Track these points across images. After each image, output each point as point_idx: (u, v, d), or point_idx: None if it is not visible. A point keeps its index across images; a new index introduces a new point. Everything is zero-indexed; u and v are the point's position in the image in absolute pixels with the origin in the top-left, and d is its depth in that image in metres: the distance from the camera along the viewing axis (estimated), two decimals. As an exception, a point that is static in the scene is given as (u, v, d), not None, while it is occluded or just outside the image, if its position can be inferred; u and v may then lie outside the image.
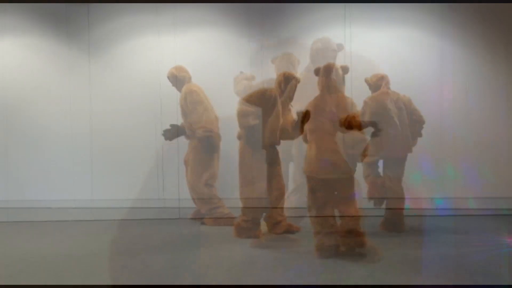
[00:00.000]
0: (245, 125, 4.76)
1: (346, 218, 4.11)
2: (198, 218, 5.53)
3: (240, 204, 4.87)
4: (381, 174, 5.11)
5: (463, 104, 5.83)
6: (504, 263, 3.94)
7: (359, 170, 4.93)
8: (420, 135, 5.12)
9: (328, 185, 4.16)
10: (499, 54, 5.84)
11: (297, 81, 4.70)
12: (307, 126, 4.26)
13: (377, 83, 5.03)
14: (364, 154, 4.52)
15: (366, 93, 5.10)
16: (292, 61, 5.61)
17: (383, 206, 5.10)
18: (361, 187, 5.09)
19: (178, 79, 5.56)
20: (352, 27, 5.64)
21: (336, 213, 4.22)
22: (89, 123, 6.10)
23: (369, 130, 4.39)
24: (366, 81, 5.12)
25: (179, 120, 5.70)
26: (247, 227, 4.81)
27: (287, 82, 4.65)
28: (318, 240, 4.15)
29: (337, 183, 4.15)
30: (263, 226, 4.80)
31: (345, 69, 4.46)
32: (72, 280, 3.62)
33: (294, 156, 5.61)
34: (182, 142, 5.80)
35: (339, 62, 5.17)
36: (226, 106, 5.66)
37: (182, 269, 3.87)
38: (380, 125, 4.42)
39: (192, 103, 5.41)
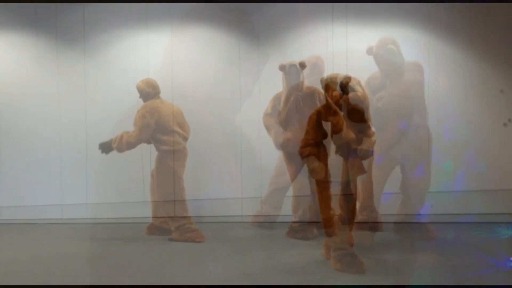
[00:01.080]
0: None
1: None
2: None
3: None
4: None
5: (451, 102, 5.84)
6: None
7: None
8: None
9: None
10: (488, 52, 5.83)
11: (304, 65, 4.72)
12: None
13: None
14: None
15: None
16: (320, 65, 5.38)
17: None
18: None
19: (142, 94, 5.24)
20: (340, 26, 5.61)
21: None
22: (84, 126, 6.13)
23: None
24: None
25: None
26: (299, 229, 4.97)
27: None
28: None
29: None
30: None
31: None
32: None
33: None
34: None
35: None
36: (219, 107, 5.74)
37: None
38: None
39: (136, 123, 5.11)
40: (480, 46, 5.82)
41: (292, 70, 4.80)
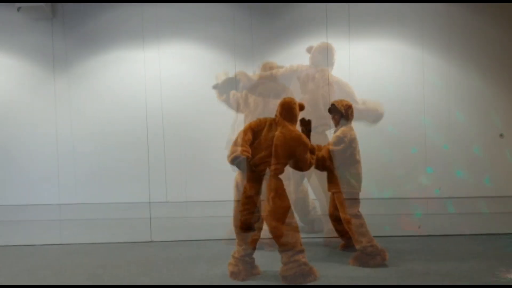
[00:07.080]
0: None
1: None
2: None
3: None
4: None
5: (445, 115, 5.90)
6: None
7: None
8: None
9: None
10: (480, 65, 5.90)
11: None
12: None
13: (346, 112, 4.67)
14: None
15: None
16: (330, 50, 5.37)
17: None
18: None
19: None
20: (334, 40, 5.54)
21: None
22: (87, 128, 6.27)
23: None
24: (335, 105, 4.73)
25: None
26: None
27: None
28: None
29: None
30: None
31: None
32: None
33: None
34: (183, 142, 6.05)
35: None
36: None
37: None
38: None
39: None
40: (475, 59, 5.90)
41: None
